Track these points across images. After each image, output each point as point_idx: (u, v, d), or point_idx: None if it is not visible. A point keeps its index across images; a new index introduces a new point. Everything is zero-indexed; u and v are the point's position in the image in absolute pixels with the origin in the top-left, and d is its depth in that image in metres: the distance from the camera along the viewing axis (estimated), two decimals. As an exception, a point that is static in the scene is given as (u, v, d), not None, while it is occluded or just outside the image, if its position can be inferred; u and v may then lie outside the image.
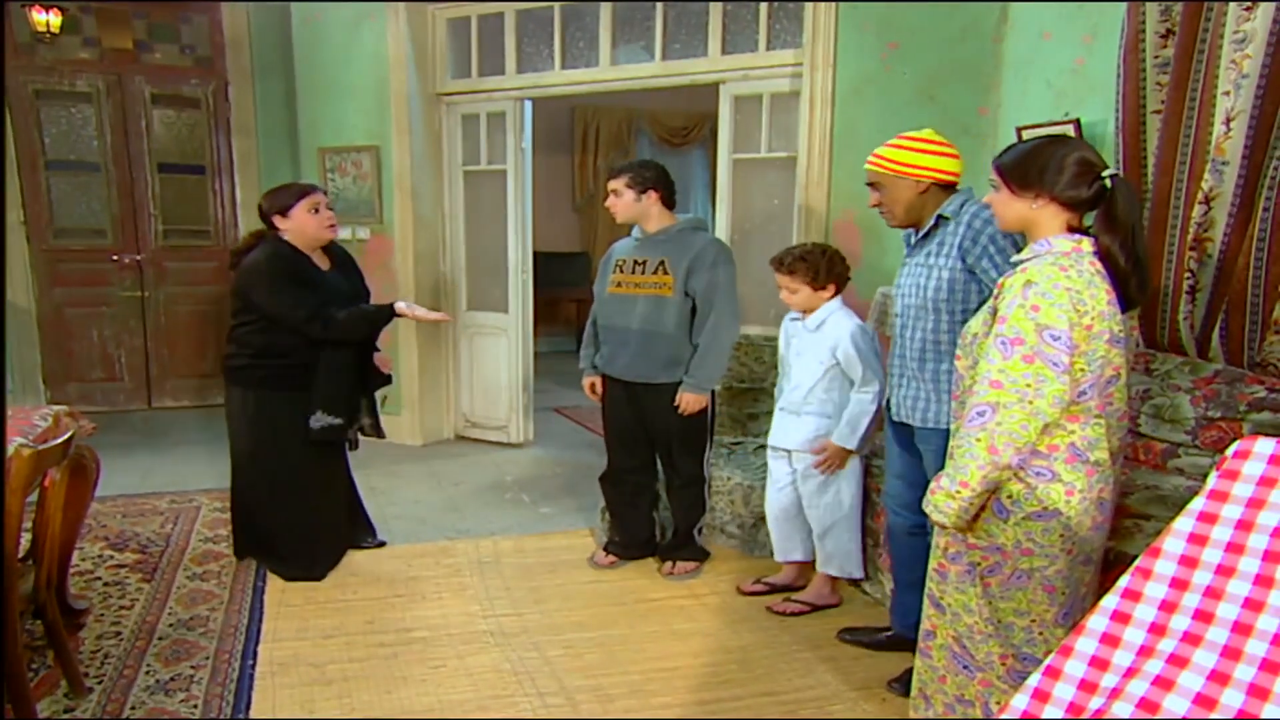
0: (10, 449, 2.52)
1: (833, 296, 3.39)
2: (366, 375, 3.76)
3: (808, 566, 3.59)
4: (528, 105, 5.60)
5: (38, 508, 2.52)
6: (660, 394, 3.61)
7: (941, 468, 2.70)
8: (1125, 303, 2.10)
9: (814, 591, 3.50)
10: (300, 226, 3.56)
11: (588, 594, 3.64)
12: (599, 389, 3.85)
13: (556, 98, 5.77)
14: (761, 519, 3.90)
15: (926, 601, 2.42)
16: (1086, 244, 2.10)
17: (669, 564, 3.80)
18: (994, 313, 2.10)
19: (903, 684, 2.89)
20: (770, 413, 4.37)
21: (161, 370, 6.84)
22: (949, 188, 2.76)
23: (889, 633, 3.18)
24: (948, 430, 2.71)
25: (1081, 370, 2.03)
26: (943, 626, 2.34)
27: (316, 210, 3.58)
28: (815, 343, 3.39)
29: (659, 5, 5.04)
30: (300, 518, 3.66)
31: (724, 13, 4.88)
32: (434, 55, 5.71)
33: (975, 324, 2.21)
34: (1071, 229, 2.13)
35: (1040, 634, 2.18)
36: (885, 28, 4.38)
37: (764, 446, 4.28)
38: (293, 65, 6.40)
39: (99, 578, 3.66)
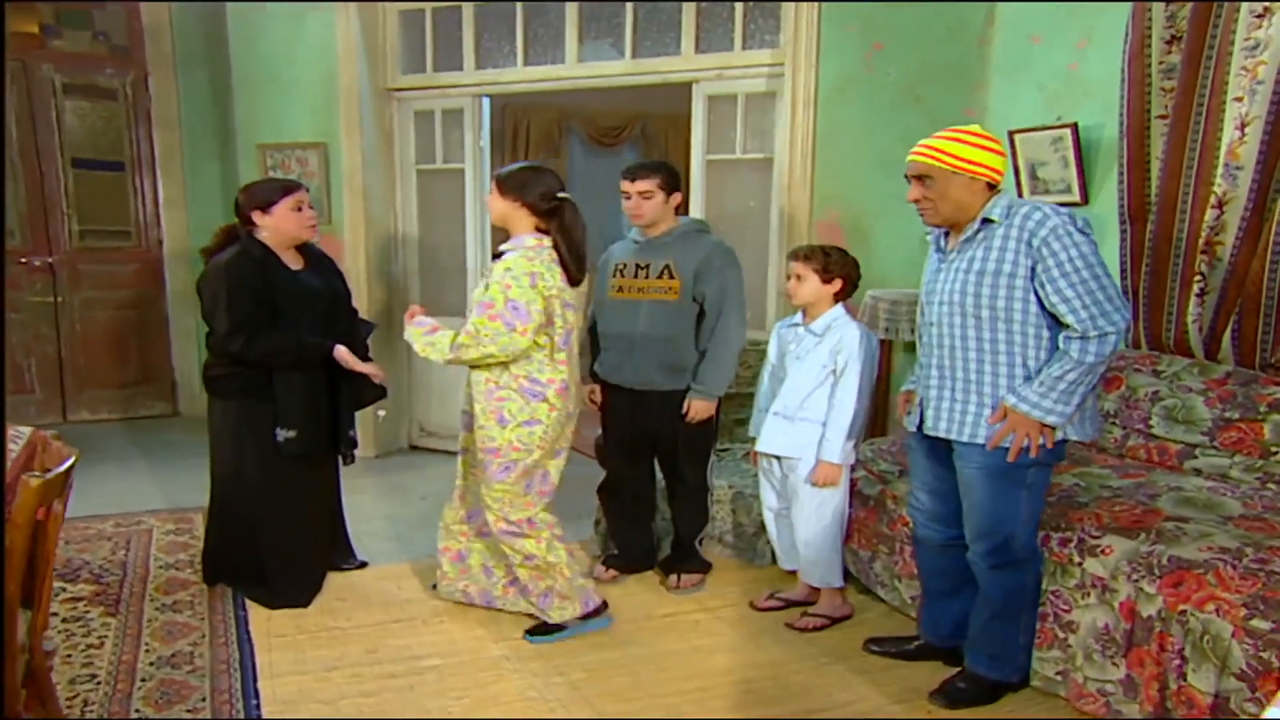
0: (-7, 477, 2.26)
1: (837, 294, 3.32)
2: (340, 388, 3.50)
3: (819, 577, 3.52)
4: (485, 102, 5.40)
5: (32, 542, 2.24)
6: (666, 401, 3.49)
7: (984, 486, 2.68)
8: (571, 281, 3.13)
9: (828, 604, 3.42)
10: (280, 224, 3.34)
11: (595, 611, 3.48)
12: (598, 397, 3.70)
13: (519, 95, 5.58)
14: (762, 527, 3.82)
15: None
16: (546, 240, 3.11)
17: (674, 577, 3.68)
18: (486, 286, 3.03)
19: (944, 696, 2.84)
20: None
21: (78, 381, 6.34)
22: (993, 187, 2.65)
23: (918, 642, 3.13)
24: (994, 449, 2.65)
25: (558, 328, 3.08)
26: (470, 500, 3.35)
27: (300, 208, 3.36)
28: (820, 348, 3.30)
29: (629, 4, 4.91)
30: (287, 539, 3.41)
31: (698, 11, 4.78)
32: (385, 49, 5.44)
33: (479, 294, 3.06)
34: (537, 229, 3.12)
35: (514, 502, 3.16)
36: (869, 28, 4.35)
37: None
38: (219, 55, 6.04)
39: (55, 613, 3.32)
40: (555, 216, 3.12)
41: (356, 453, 3.66)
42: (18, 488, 2.00)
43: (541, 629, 3.25)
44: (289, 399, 3.32)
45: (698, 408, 3.46)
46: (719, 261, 3.45)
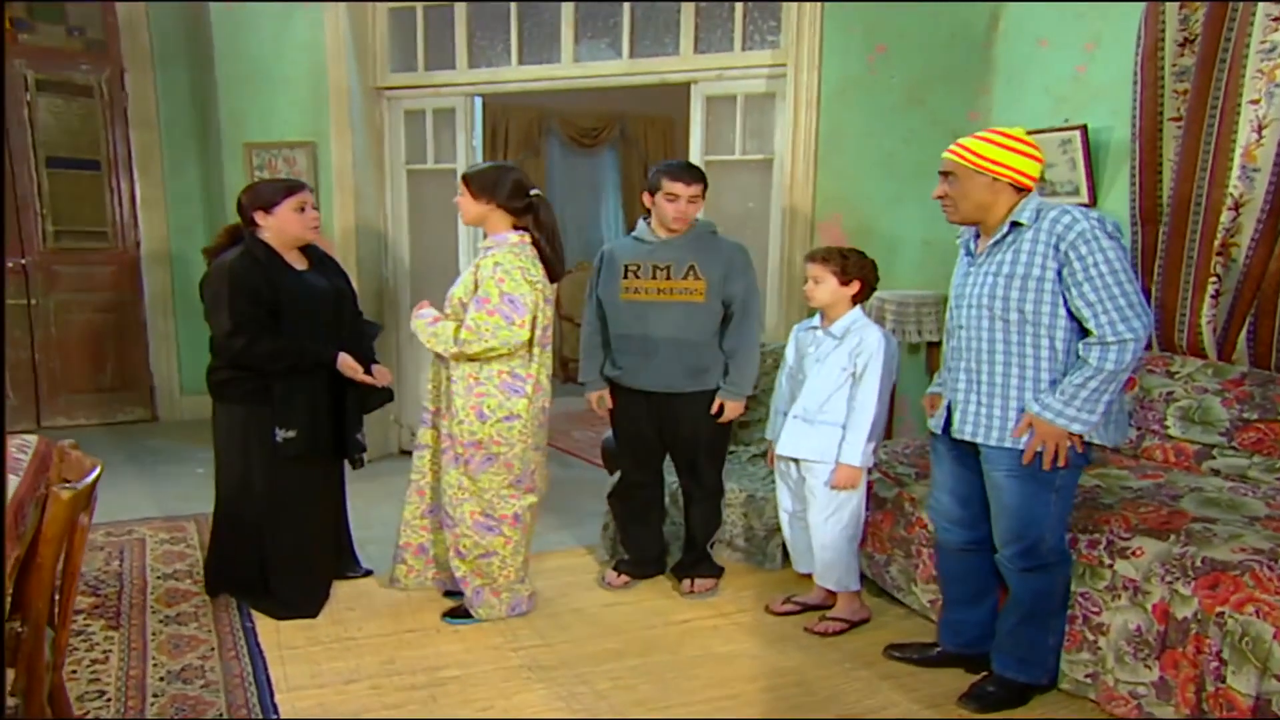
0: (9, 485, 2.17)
1: (855, 297, 3.29)
2: (345, 391, 3.41)
3: (835, 580, 3.49)
4: (478, 102, 5.33)
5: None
6: (689, 403, 3.45)
7: (1013, 489, 2.68)
8: (552, 277, 3.22)
9: (847, 607, 3.39)
10: (283, 225, 3.27)
11: (610, 618, 3.43)
12: (608, 402, 3.65)
13: (500, 94, 5.52)
14: (773, 531, 3.80)
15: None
16: (526, 237, 3.18)
17: (687, 581, 3.63)
18: (476, 284, 3.09)
19: (974, 700, 2.82)
20: (761, 420, 4.29)
21: (52, 385, 6.17)
22: (1022, 190, 2.63)
23: (938, 649, 3.10)
24: (1018, 451, 2.63)
25: (539, 323, 3.15)
26: (430, 496, 3.41)
27: (303, 209, 3.29)
28: (839, 351, 3.28)
29: (626, 4, 4.86)
30: (294, 547, 3.33)
31: (696, 11, 4.75)
32: (374, 47, 5.35)
33: (460, 291, 3.16)
34: (515, 226, 3.18)
35: (500, 495, 3.23)
36: (872, 30, 4.34)
37: (759, 456, 4.20)
38: (199, 51, 5.92)
39: (53, 627, 3.21)
40: (531, 213, 3.20)
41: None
42: (49, 500, 1.91)
43: (462, 613, 3.37)
44: (288, 398, 3.24)
45: (731, 408, 3.43)
46: (742, 262, 3.44)
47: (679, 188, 3.33)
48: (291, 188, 3.29)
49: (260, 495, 3.27)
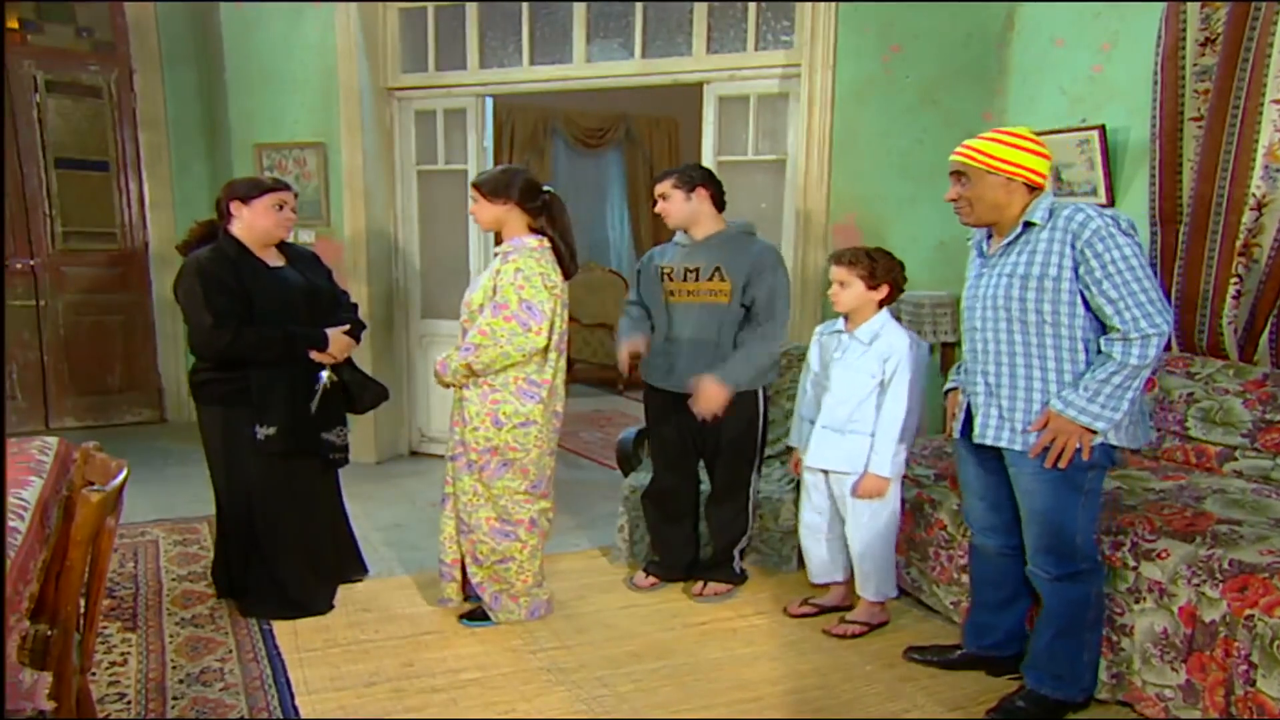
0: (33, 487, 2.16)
1: (883, 301, 3.25)
2: (329, 390, 3.36)
3: (852, 584, 3.45)
4: (489, 102, 5.32)
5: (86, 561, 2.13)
6: None
7: (1042, 493, 2.65)
8: (566, 275, 3.22)
9: (866, 611, 3.36)
10: (256, 218, 3.25)
11: (628, 620, 3.42)
12: (640, 347, 3.53)
13: (509, 95, 5.51)
14: (789, 533, 3.78)
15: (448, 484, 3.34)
16: (544, 240, 3.18)
17: (699, 584, 3.62)
18: (495, 289, 3.07)
19: (1004, 715, 2.77)
20: (776, 422, 4.27)
21: (60, 387, 6.15)
22: (1034, 189, 2.60)
23: (960, 651, 3.08)
24: (1044, 453, 2.60)
25: (556, 328, 3.13)
26: (451, 504, 3.32)
27: (281, 208, 3.29)
28: (867, 356, 3.21)
29: (638, 4, 4.85)
30: (290, 547, 3.33)
31: (709, 11, 4.74)
32: (385, 47, 5.33)
33: (479, 297, 3.14)
34: (530, 229, 3.18)
35: (515, 500, 3.21)
36: (887, 30, 4.33)
37: (773, 458, 4.18)
38: (207, 52, 5.91)
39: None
40: (546, 212, 3.21)
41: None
42: (76, 503, 1.90)
43: (480, 615, 3.35)
44: (265, 394, 3.21)
45: (709, 392, 3.27)
46: (771, 262, 3.41)
47: (656, 188, 3.46)
48: (278, 185, 3.30)
49: (248, 495, 3.27)
